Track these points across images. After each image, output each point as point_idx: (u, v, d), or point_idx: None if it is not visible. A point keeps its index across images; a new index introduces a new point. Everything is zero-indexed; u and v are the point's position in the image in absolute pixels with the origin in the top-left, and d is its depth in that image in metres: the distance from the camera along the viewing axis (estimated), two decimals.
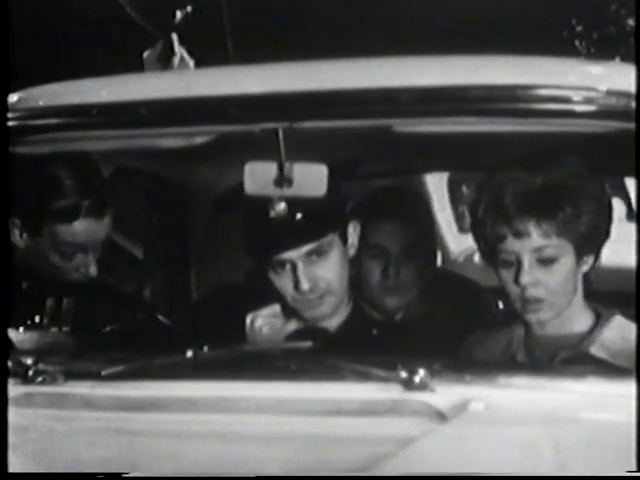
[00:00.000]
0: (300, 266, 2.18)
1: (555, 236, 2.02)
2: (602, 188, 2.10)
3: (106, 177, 2.61)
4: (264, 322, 2.26)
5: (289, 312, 2.30)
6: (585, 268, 2.10)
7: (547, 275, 2.04)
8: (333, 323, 2.30)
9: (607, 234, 2.11)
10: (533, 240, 2.02)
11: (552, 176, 2.04)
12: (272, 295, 2.28)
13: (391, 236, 2.78)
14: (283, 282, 2.22)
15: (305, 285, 2.18)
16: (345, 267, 2.28)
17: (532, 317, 2.08)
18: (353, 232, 2.31)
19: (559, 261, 2.04)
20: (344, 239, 2.27)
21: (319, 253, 2.20)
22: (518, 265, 2.04)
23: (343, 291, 2.28)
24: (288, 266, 2.20)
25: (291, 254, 2.18)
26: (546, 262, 2.04)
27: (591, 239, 2.06)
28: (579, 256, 2.06)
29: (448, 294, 2.93)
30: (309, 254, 2.19)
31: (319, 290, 2.22)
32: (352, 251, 2.31)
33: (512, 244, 2.03)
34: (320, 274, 2.20)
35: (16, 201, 2.21)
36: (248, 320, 2.29)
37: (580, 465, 1.64)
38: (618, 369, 1.97)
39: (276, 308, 2.28)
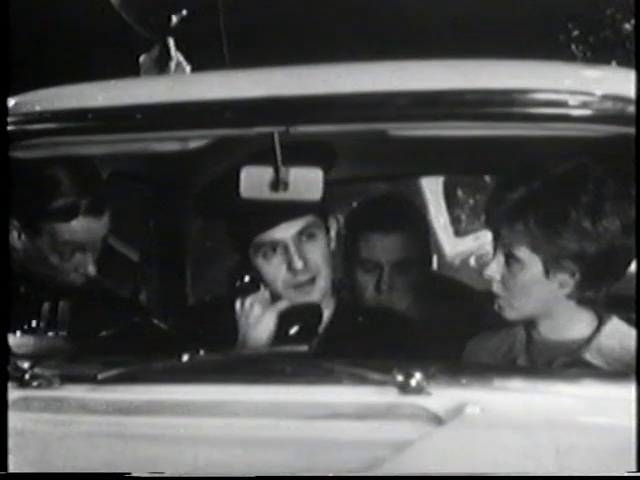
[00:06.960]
0: (292, 246, 2.25)
1: (525, 245, 2.04)
2: (594, 215, 2.02)
3: (104, 178, 2.62)
4: (254, 300, 2.27)
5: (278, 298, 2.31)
6: (566, 288, 2.07)
7: (511, 276, 2.08)
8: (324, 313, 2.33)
9: (597, 263, 2.04)
10: (505, 240, 2.07)
11: (538, 187, 2.05)
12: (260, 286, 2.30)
13: (384, 250, 2.79)
14: (273, 266, 2.27)
15: (298, 263, 2.24)
16: (330, 258, 2.33)
17: (499, 311, 2.13)
18: (333, 225, 2.37)
19: (524, 268, 2.06)
20: (327, 228, 2.34)
21: (308, 235, 2.27)
22: (492, 258, 2.11)
23: (330, 281, 2.33)
24: (279, 249, 2.26)
25: (282, 234, 2.24)
26: (512, 264, 2.07)
27: (565, 260, 2.04)
28: (548, 271, 2.06)
29: (441, 298, 2.93)
30: (300, 234, 2.25)
31: (310, 271, 2.27)
32: (332, 245, 2.36)
33: (495, 240, 2.11)
34: (311, 256, 2.27)
35: (14, 203, 2.21)
36: (237, 304, 2.29)
37: (578, 469, 1.64)
38: (615, 373, 1.97)
39: (265, 294, 2.29)
